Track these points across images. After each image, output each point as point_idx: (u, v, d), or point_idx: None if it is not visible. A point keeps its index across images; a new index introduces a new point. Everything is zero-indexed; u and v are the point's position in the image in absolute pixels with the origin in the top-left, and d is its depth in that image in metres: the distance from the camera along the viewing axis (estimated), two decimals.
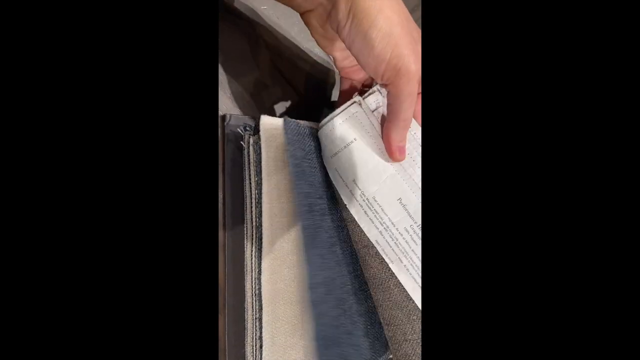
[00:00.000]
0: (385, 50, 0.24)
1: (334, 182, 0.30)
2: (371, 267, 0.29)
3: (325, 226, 0.29)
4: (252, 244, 0.29)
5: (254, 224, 0.29)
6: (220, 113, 0.30)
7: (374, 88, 0.29)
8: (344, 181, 0.29)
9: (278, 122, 0.29)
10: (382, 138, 0.28)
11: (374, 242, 0.29)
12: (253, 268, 0.29)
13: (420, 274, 0.28)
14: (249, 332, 0.29)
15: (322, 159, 0.30)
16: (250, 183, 0.29)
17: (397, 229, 0.28)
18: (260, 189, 0.28)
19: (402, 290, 0.28)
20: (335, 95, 0.39)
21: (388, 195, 0.28)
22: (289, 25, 0.35)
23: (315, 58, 0.34)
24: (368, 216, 0.29)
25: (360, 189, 0.28)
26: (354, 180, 0.29)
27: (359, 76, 0.32)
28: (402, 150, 0.28)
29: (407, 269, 0.28)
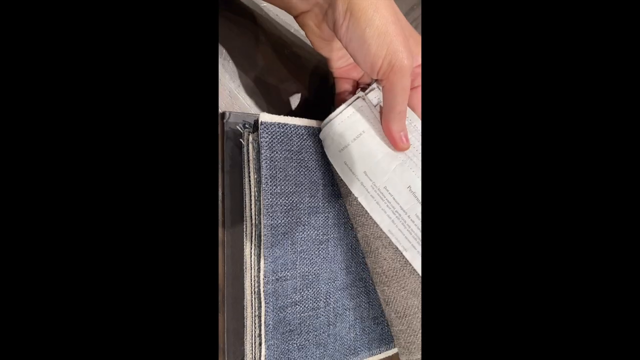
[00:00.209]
0: (381, 47, 0.25)
1: (342, 177, 0.30)
2: (385, 260, 0.30)
3: (313, 224, 0.30)
4: (252, 241, 0.29)
5: (253, 221, 0.29)
6: (220, 110, 0.30)
7: (373, 85, 0.30)
8: (354, 174, 0.29)
9: (277, 119, 0.29)
10: (384, 131, 0.29)
11: (386, 232, 0.29)
12: (252, 266, 0.29)
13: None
14: (248, 329, 0.29)
15: (318, 157, 0.31)
16: (249, 181, 0.29)
17: (408, 216, 0.29)
18: (260, 187, 0.28)
19: (418, 277, 0.29)
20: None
21: (398, 183, 0.29)
22: (290, 21, 0.35)
23: (315, 54, 0.34)
24: (380, 206, 0.29)
25: (371, 180, 0.29)
26: (365, 172, 0.29)
27: (353, 75, 0.33)
28: (404, 139, 0.29)
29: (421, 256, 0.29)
